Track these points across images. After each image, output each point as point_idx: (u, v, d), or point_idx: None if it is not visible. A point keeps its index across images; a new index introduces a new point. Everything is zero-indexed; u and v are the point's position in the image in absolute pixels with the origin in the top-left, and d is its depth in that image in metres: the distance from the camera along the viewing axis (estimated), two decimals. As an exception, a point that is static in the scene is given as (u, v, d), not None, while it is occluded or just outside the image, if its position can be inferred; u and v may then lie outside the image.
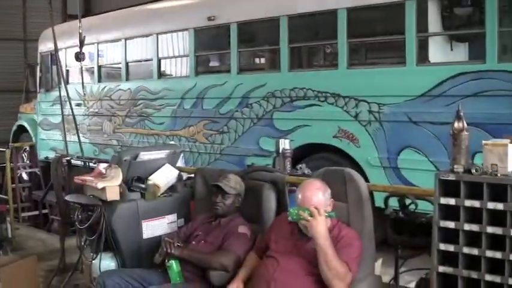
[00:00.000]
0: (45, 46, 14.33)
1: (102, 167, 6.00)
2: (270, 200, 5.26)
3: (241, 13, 9.78)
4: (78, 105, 13.24)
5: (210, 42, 10.89)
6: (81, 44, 8.54)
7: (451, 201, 3.76)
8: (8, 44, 18.84)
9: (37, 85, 14.69)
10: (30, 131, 15.13)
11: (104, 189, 5.59)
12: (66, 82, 13.39)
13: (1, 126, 17.99)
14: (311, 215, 4.18)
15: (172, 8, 11.55)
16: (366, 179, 7.63)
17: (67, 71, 13.53)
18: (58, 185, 7.80)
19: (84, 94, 12.93)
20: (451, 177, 3.77)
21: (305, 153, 8.53)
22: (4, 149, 9.53)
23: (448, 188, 3.80)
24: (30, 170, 12.74)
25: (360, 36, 8.56)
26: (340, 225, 4.40)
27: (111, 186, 5.62)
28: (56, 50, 7.26)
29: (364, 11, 8.28)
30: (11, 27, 18.87)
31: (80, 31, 8.54)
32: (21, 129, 15.63)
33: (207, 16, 10.16)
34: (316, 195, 4.31)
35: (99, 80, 12.90)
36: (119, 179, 5.67)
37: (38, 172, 12.53)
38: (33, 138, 14.75)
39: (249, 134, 9.57)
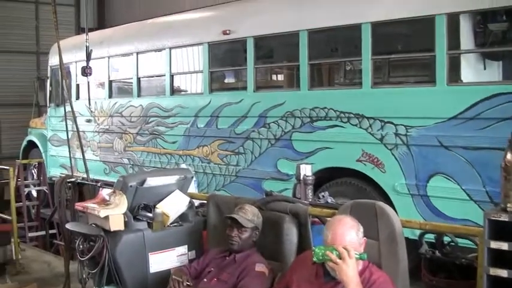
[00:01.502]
0: (55, 59, 13.90)
1: (105, 193, 5.49)
2: (291, 234, 4.76)
3: (258, 27, 9.30)
4: (88, 121, 12.83)
5: (225, 57, 10.42)
6: (88, 57, 8.11)
7: (504, 245, 3.22)
8: (20, 56, 18.54)
9: (47, 99, 14.26)
10: (40, 146, 14.70)
11: (107, 218, 5.13)
12: (77, 97, 13.05)
13: (11, 141, 17.65)
14: (340, 257, 3.65)
15: (185, 21, 11.13)
16: (392, 207, 7.19)
17: (77, 85, 13.10)
18: (62, 208, 7.32)
19: (91, 110, 12.51)
20: (504, 217, 3.26)
21: (326, 178, 8.02)
22: (8, 167, 9.05)
23: (499, 229, 3.26)
24: (38, 188, 12.33)
25: (385, 53, 8.07)
26: (371, 267, 3.89)
27: (115, 215, 5.15)
28: (61, 64, 6.74)
29: (390, 25, 7.75)
30: (24, 40, 18.53)
31: (87, 44, 8.10)
32: (32, 144, 15.20)
33: (222, 30, 9.67)
34: (349, 234, 3.80)
35: (110, 96, 12.45)
36: (123, 207, 5.19)
37: (46, 190, 12.12)
38: (43, 155, 14.31)
39: (266, 155, 9.06)
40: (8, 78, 18.34)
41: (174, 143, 10.76)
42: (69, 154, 7.97)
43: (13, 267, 8.61)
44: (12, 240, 9.01)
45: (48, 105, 14.32)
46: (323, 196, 5.77)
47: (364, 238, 3.87)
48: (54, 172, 13.05)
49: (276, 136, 8.89)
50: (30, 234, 11.42)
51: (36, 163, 13.00)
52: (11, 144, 17.33)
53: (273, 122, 8.92)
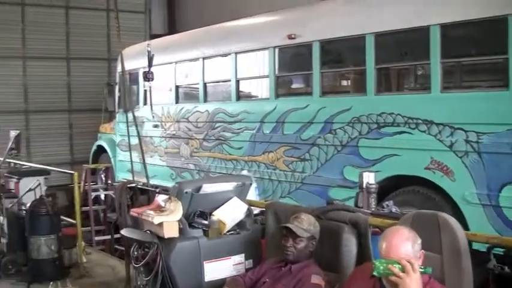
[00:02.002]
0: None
1: (161, 199, 5.38)
2: (350, 245, 4.55)
3: (324, 31, 9.05)
4: (156, 126, 12.85)
5: (291, 62, 10.21)
6: (150, 63, 8.05)
7: None
8: (92, 63, 18.77)
9: (115, 105, 14.37)
10: (109, 151, 14.83)
11: (161, 224, 5.02)
12: (144, 103, 13.10)
13: (82, 146, 17.88)
14: (403, 271, 3.40)
15: (251, 25, 10.97)
16: (462, 217, 6.86)
17: (144, 91, 13.13)
18: (122, 213, 7.28)
19: (159, 116, 12.51)
20: None
21: (393, 186, 7.71)
22: (72, 172, 9.10)
23: None
24: (106, 193, 12.40)
25: (455, 56, 7.68)
26: (433, 282, 3.65)
27: (170, 221, 5.03)
28: (123, 70, 6.69)
29: (461, 27, 7.37)
30: (95, 46, 18.79)
31: (149, 49, 8.05)
32: (101, 149, 15.35)
33: (288, 34, 9.46)
34: (404, 246, 3.55)
35: (177, 101, 12.41)
36: (178, 214, 5.08)
37: (113, 195, 12.15)
38: (112, 160, 14.42)
39: (333, 162, 8.81)
40: (81, 85, 18.64)
41: (239, 148, 10.62)
42: (131, 159, 7.91)
43: (77, 271, 8.64)
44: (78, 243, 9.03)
45: (116, 110, 14.42)
46: (387, 205, 5.51)
47: (422, 251, 3.62)
48: (123, 177, 13.11)
49: (342, 142, 8.63)
50: (97, 238, 11.47)
51: (105, 168, 13.08)
52: (83, 148, 17.54)
53: (339, 128, 8.67)
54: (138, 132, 7.87)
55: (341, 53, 9.46)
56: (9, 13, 17.59)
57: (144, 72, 9.41)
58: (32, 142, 17.97)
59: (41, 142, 18.05)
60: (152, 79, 9.14)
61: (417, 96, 7.96)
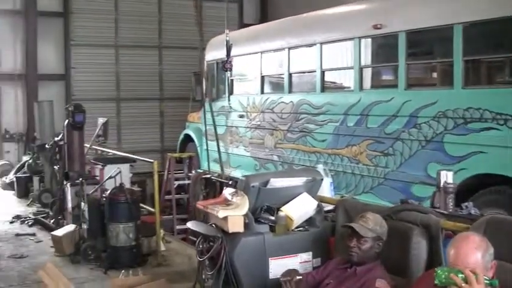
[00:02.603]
0: (211, 55, 14.05)
1: (228, 192, 5.25)
2: (420, 248, 4.29)
3: (410, 21, 8.73)
4: (241, 116, 12.78)
5: (376, 53, 9.91)
6: (228, 52, 7.95)
7: None
8: (183, 52, 18.91)
9: (203, 94, 14.40)
10: (195, 140, 14.87)
11: (226, 218, 4.89)
12: (230, 92, 13.05)
13: (172, 134, 18.04)
14: (466, 281, 3.13)
15: (336, 15, 10.71)
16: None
17: (231, 80, 13.07)
18: (195, 203, 7.21)
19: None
20: None
21: (478, 185, 7.33)
22: (151, 160, 9.12)
23: None
24: (188, 182, 12.41)
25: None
26: (503, 296, 3.32)
27: (235, 216, 4.90)
28: (202, 63, 6.57)
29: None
30: (187, 35, 18.92)
31: (227, 38, 7.95)
32: (189, 138, 15.43)
33: (373, 24, 9.17)
34: (473, 255, 3.25)
35: (262, 92, 12.30)
36: (244, 208, 4.94)
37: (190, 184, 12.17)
38: (198, 149, 14.47)
39: (416, 158, 8.49)
40: (173, 73, 18.87)
41: (323, 141, 10.42)
42: (207, 146, 7.78)
43: (155, 259, 8.63)
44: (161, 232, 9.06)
45: (204, 99, 14.45)
46: (466, 206, 5.21)
47: (494, 261, 3.31)
48: (207, 166, 13.12)
49: (426, 138, 8.30)
50: (178, 227, 11.49)
51: (189, 157, 13.11)
52: (173, 137, 17.69)
53: (424, 123, 8.34)
54: (214, 122, 7.74)
55: (428, 44, 9.08)
56: (103, 3, 17.96)
57: (223, 61, 9.33)
58: (123, 129, 18.27)
59: (131, 129, 18.37)
60: (230, 69, 9.04)
61: (506, 91, 7.51)
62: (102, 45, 18.08)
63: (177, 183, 12.18)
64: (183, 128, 16.05)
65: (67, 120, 10.02)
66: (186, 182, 12.32)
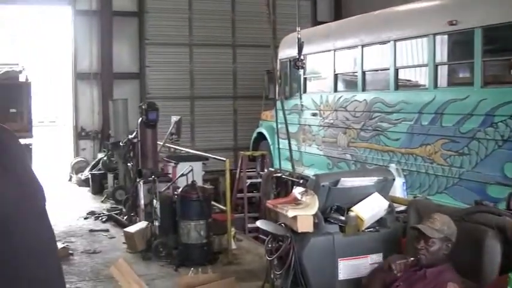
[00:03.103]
0: (284, 53, 14.02)
1: (297, 191, 5.21)
2: (494, 252, 4.16)
3: (487, 16, 8.49)
4: (314, 115, 12.71)
5: (451, 50, 9.68)
6: (300, 50, 7.89)
7: None
8: (257, 50, 18.91)
9: (276, 92, 14.37)
10: (268, 139, 14.87)
11: (295, 218, 4.85)
12: (304, 90, 12.99)
13: (245, 132, 18.07)
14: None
15: (410, 11, 10.52)
16: None
17: (304, 79, 13.01)
18: (265, 202, 7.20)
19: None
20: None
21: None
22: (224, 159, 9.15)
23: None
24: (259, 180, 12.42)
25: None
26: None
27: (304, 215, 4.85)
28: (275, 62, 6.55)
29: None
30: (261, 33, 18.93)
31: (299, 36, 7.89)
32: (262, 136, 15.44)
33: (448, 20, 8.95)
34: None
35: (335, 90, 12.20)
36: (314, 208, 4.90)
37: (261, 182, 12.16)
38: (271, 147, 14.47)
39: (492, 158, 8.27)
40: (246, 71, 18.89)
41: (396, 140, 10.25)
42: (278, 145, 7.74)
43: (225, 257, 8.66)
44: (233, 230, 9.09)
45: (277, 97, 14.41)
46: (544, 209, 5.02)
47: None
48: (281, 165, 13.12)
49: (503, 137, 8.07)
50: (250, 225, 11.50)
51: (261, 155, 13.11)
52: (246, 135, 17.72)
53: (501, 121, 8.11)
54: (285, 121, 7.71)
55: (505, 41, 8.81)
56: (177, 2, 18.11)
57: (295, 59, 9.28)
58: (196, 127, 18.40)
59: (204, 127, 18.45)
60: (302, 67, 8.99)
61: None
62: (176, 43, 18.22)
63: (249, 181, 12.20)
64: (256, 126, 16.07)
65: (140, 118, 10.16)
66: (258, 180, 12.33)
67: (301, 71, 11.97)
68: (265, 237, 8.94)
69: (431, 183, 9.37)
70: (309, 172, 12.11)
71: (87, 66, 17.67)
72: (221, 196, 12.45)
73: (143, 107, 10.19)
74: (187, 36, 18.29)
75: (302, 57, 9.61)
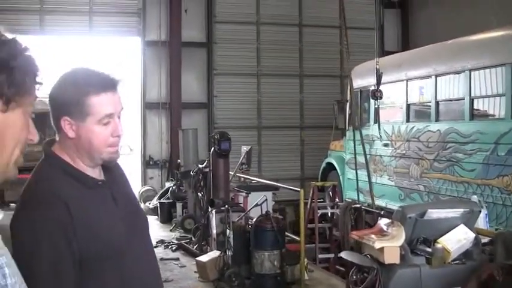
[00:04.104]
0: (355, 83, 13.94)
1: (383, 223, 5.17)
2: None
3: None
4: (386, 145, 12.61)
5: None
6: (378, 81, 7.86)
7: None
8: (324, 80, 18.97)
9: (346, 122, 14.33)
10: (338, 169, 14.81)
11: (382, 249, 4.80)
12: (375, 121, 12.91)
13: (312, 162, 18.05)
14: None
15: (485, 40, 10.41)
16: None
17: (375, 109, 12.94)
18: (345, 234, 7.14)
19: (389, 134, 12.24)
20: None
21: None
22: (298, 189, 9.13)
23: None
24: (332, 211, 12.35)
25: None
26: None
27: (391, 247, 4.79)
28: (351, 89, 6.55)
29: None
30: (328, 63, 18.98)
31: (377, 66, 7.86)
32: (331, 166, 15.37)
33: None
34: None
35: (408, 120, 12.10)
36: (400, 239, 4.85)
37: (339, 213, 12.07)
38: (340, 177, 14.38)
39: None
40: (313, 101, 18.91)
41: (472, 171, 10.08)
42: (356, 177, 7.72)
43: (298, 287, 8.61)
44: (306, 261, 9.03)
45: (347, 128, 14.36)
46: None
47: None
48: (351, 195, 13.02)
49: None
50: (321, 256, 11.41)
51: (332, 185, 13.03)
52: (313, 165, 17.67)
53: None
54: (364, 151, 7.67)
55: None
56: (245, 32, 18.30)
57: (373, 90, 9.24)
58: (263, 157, 18.43)
59: (271, 157, 18.49)
60: (381, 97, 8.94)
61: None
62: (244, 74, 18.40)
63: (320, 212, 12.13)
64: (324, 157, 16.01)
65: (213, 148, 10.22)
66: (329, 210, 12.25)
67: (377, 102, 11.96)
68: (341, 268, 8.89)
69: (509, 215, 9.15)
70: (380, 203, 11.97)
71: (156, 96, 17.94)
72: (287, 226, 12.41)
73: (215, 136, 10.25)
74: (254, 66, 18.46)
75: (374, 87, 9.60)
